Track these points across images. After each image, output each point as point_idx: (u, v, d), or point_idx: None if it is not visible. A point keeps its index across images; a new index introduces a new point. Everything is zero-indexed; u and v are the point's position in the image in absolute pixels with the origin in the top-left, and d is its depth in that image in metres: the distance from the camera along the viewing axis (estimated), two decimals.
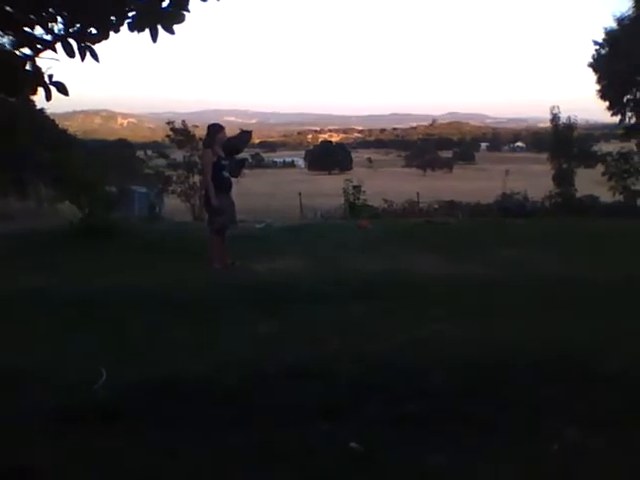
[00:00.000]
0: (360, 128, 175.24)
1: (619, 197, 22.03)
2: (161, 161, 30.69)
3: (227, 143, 8.43)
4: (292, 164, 76.83)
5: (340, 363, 4.67)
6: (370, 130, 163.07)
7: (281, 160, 75.82)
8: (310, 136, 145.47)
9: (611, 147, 25.21)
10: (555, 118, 23.40)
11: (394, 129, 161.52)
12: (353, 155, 73.88)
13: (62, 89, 2.80)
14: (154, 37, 2.80)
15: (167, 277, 7.91)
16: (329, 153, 67.68)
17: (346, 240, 11.62)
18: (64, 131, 35.75)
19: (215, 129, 8.45)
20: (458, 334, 5.83)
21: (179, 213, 24.17)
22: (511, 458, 3.43)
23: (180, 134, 28.06)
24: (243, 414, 3.65)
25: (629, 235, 13.23)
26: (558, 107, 23.36)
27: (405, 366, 4.74)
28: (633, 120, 24.82)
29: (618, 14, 24.10)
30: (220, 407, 3.72)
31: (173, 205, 26.71)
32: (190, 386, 4.01)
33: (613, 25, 24.25)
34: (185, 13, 2.81)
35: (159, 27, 2.78)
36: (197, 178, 24.05)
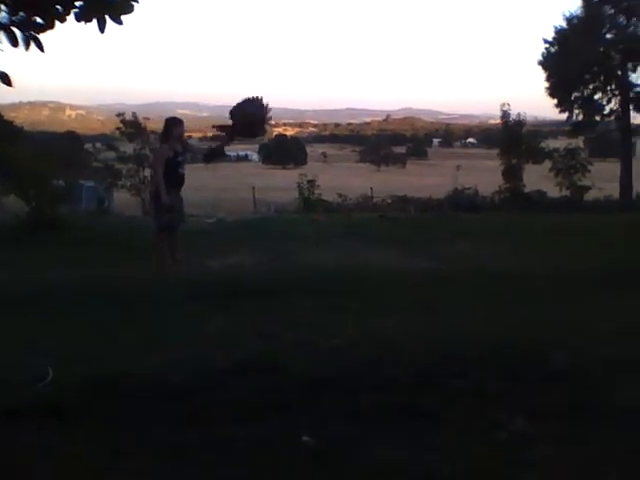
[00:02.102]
0: (315, 122, 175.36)
1: (566, 192, 22.61)
2: (111, 154, 30.07)
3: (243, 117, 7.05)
4: (246, 158, 76.24)
5: (292, 357, 4.66)
6: (325, 124, 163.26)
7: (235, 154, 75.11)
8: None
9: (559, 143, 25.81)
10: (505, 115, 23.81)
11: (349, 124, 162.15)
12: (308, 149, 73.88)
13: (5, 79, 2.72)
14: (101, 28, 2.75)
15: (115, 272, 7.76)
16: (284, 147, 67.48)
17: (299, 234, 11.62)
18: (10, 123, 34.64)
19: (172, 123, 8.21)
20: (408, 328, 5.90)
21: (128, 207, 23.73)
22: (459, 449, 3.47)
23: (130, 126, 27.53)
24: (191, 411, 3.61)
25: (575, 230, 13.62)
26: (508, 104, 23.80)
27: (356, 360, 4.77)
28: (580, 117, 25.54)
29: (568, 14, 24.72)
30: (168, 404, 3.66)
31: (122, 199, 26.21)
32: (137, 383, 3.94)
33: (563, 24, 24.87)
34: (134, 3, 2.77)
35: (107, 17, 2.74)
36: (148, 172, 23.67)
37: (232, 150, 71.87)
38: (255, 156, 75.07)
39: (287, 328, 5.60)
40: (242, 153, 78.17)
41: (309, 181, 20.50)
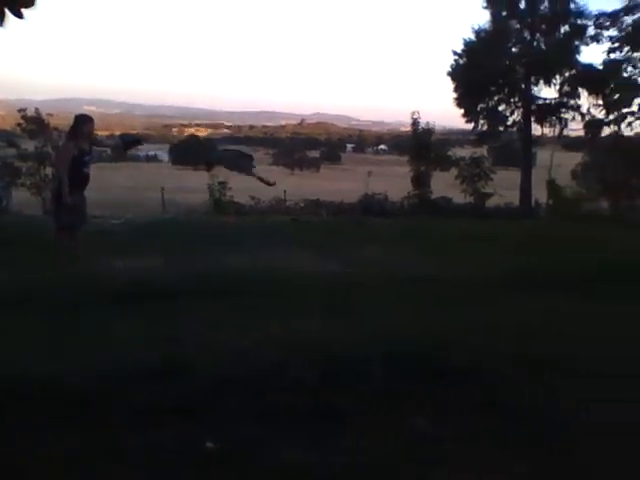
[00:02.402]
0: (229, 124, 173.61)
1: (470, 199, 23.50)
2: (11, 151, 28.44)
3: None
4: (155, 158, 74.15)
5: (197, 360, 4.55)
6: (239, 126, 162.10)
7: (144, 154, 72.90)
8: (176, 129, 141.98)
9: (465, 152, 26.80)
10: (415, 123, 24.47)
11: (263, 126, 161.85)
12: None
13: None
14: (0, 22, 2.66)
15: (13, 274, 7.33)
16: (195, 148, 66.29)
17: (209, 237, 11.44)
18: None
19: (82, 120, 7.87)
20: (317, 330, 5.92)
21: (28, 206, 22.52)
22: (365, 449, 3.50)
23: (32, 123, 26.14)
24: (88, 417, 3.44)
25: (479, 235, 14.16)
26: (418, 112, 24.47)
27: (263, 362, 4.73)
28: (485, 127, 26.63)
29: (477, 27, 25.69)
30: (68, 410, 3.49)
31: (22, 198, 24.85)
32: (36, 389, 3.72)
33: (472, 37, 25.81)
34: None
35: (7, 11, 2.65)
36: (50, 170, 22.55)
37: (141, 150, 69.90)
38: (165, 156, 73.12)
39: (193, 331, 5.48)
40: (151, 153, 76.02)
41: (220, 183, 20.25)
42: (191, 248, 10.15)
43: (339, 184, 39.45)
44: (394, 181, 26.47)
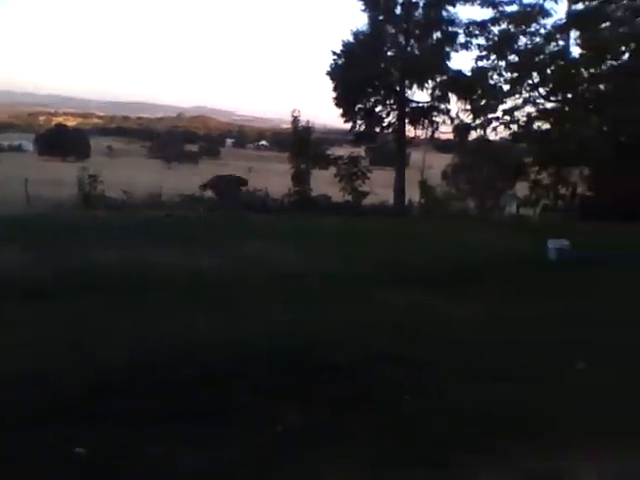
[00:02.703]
0: (101, 114, 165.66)
1: (348, 197, 23.97)
2: None
3: None
4: (19, 148, 69.12)
5: (70, 364, 4.37)
6: (112, 117, 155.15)
7: (6, 143, 67.78)
8: (42, 118, 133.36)
9: (343, 151, 27.25)
10: (295, 121, 24.56)
11: (138, 118, 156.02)
12: (92, 142, 69.26)
13: None
14: None
15: None
16: (64, 138, 62.49)
17: (79, 232, 10.85)
18: None
19: None
20: (195, 328, 5.77)
21: None
22: (234, 444, 3.49)
23: None
24: None
25: (356, 232, 14.45)
26: (299, 110, 24.59)
27: (134, 363, 4.60)
28: (362, 127, 27.21)
29: (355, 29, 26.17)
30: None
31: None
32: None
33: (350, 38, 26.25)
34: None
35: None
36: None
37: (3, 139, 64.99)
38: (30, 146, 68.33)
39: (61, 331, 5.22)
40: (15, 143, 70.91)
41: (91, 176, 19.27)
42: (59, 245, 9.56)
43: None
44: (275, 177, 26.47)
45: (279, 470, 3.29)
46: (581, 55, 21.91)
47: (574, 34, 22.01)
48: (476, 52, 24.55)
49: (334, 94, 26.32)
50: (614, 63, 21.69)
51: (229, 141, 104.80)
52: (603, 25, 21.28)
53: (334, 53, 26.30)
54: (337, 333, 5.90)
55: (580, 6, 21.79)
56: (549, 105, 23.45)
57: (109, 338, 5.23)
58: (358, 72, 24.65)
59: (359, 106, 26.76)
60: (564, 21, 22.00)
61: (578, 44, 21.98)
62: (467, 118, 25.48)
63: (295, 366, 4.77)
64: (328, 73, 26.42)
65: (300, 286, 8.12)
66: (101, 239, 10.36)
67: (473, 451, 3.56)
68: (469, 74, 24.72)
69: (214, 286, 7.72)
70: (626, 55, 21.78)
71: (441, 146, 34.30)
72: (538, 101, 23.47)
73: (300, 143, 24.31)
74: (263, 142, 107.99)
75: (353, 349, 5.35)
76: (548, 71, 22.28)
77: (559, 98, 23.00)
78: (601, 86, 22.35)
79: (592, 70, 21.99)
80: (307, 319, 6.40)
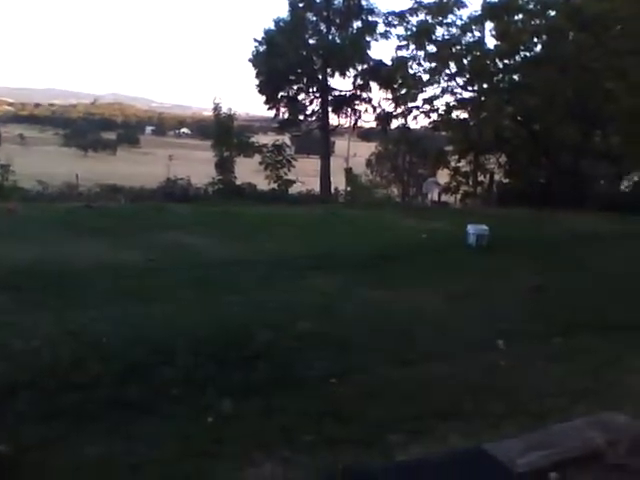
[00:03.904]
0: (11, 101, 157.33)
1: (274, 185, 23.90)
2: None
3: None
4: None
5: None
6: (23, 104, 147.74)
7: None
8: None
9: (268, 139, 27.10)
10: (217, 108, 24.21)
11: (51, 105, 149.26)
12: (2, 130, 65.92)
13: None
14: None
15: None
16: None
17: None
18: None
19: None
20: (115, 321, 5.64)
21: None
22: (166, 436, 3.47)
23: None
24: None
25: (282, 220, 14.44)
26: (220, 97, 24.22)
27: (56, 359, 4.48)
28: (286, 115, 27.16)
29: (277, 16, 26.08)
30: None
31: None
32: None
33: (272, 26, 26.09)
34: None
35: None
36: None
37: None
38: None
39: None
40: None
41: (2, 166, 18.38)
42: None
43: (138, 168, 37.94)
44: (197, 166, 26.05)
45: (214, 459, 3.28)
46: (496, 46, 22.63)
47: (489, 25, 22.71)
48: (396, 42, 24.95)
49: (257, 81, 26.14)
50: (527, 54, 22.55)
51: (149, 129, 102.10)
52: (516, 17, 22.05)
53: (256, 40, 26.10)
54: (263, 318, 5.93)
55: None
56: (467, 95, 24.14)
57: (26, 336, 5.03)
58: (280, 59, 24.57)
59: (282, 94, 26.70)
60: (479, 13, 22.66)
61: (493, 35, 22.68)
62: (389, 107, 25.95)
63: (222, 354, 4.76)
64: (250, 60, 26.20)
65: (227, 275, 8.08)
66: (18, 233, 9.93)
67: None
68: (390, 63, 25.09)
69: (135, 278, 7.56)
70: (538, 47, 22.71)
71: (365, 134, 34.75)
72: (456, 91, 24.13)
73: (223, 131, 23.98)
74: (184, 130, 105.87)
75: (278, 333, 5.40)
76: (465, 61, 22.89)
77: (476, 88, 23.70)
78: (515, 76, 23.19)
79: (506, 61, 22.77)
80: (235, 305, 6.39)
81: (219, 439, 3.47)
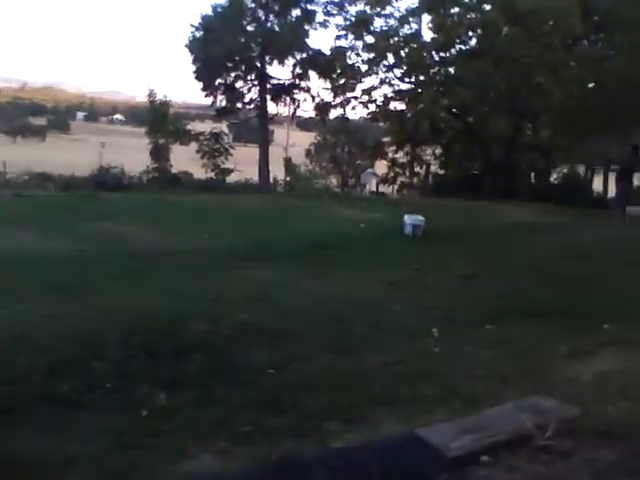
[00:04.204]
0: None
1: (211, 174, 23.59)
2: None
3: None
4: None
5: None
6: None
7: None
8: None
9: (205, 127, 26.65)
10: (152, 94, 23.65)
11: None
12: None
13: None
14: None
15: None
16: None
17: None
18: None
19: None
20: (43, 314, 5.46)
21: None
22: (105, 431, 3.37)
23: None
24: None
25: (219, 209, 14.29)
26: (154, 83, 23.68)
27: None
28: (224, 103, 26.79)
29: (214, 2, 25.58)
30: None
31: None
32: None
33: (209, 12, 25.61)
34: None
35: None
36: None
37: None
38: None
39: None
40: None
41: None
42: None
43: (69, 155, 36.63)
44: (131, 153, 25.36)
45: (149, 453, 3.22)
46: (432, 39, 22.96)
47: (426, 18, 23.02)
48: (335, 31, 24.97)
49: (193, 68, 25.65)
50: (462, 47, 23.00)
51: (80, 114, 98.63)
52: (452, 11, 22.43)
53: (192, 26, 25.58)
54: (199, 309, 5.86)
55: None
56: (404, 86, 24.44)
57: None
58: (217, 46, 24.16)
59: (219, 81, 26.30)
60: (417, 5, 22.94)
61: (430, 28, 23.01)
62: (328, 97, 25.97)
63: (156, 346, 4.68)
64: (186, 46, 25.67)
65: (162, 265, 7.93)
66: None
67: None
68: (328, 53, 25.09)
69: (66, 269, 7.33)
70: (473, 40, 23.19)
71: (304, 124, 34.70)
72: (394, 82, 24.40)
73: (158, 117, 23.47)
74: (118, 116, 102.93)
75: (214, 324, 5.35)
76: (402, 53, 23.14)
77: (413, 80, 24.02)
78: (450, 69, 23.62)
79: (442, 54, 23.16)
80: (170, 296, 6.28)
81: (154, 432, 3.41)
